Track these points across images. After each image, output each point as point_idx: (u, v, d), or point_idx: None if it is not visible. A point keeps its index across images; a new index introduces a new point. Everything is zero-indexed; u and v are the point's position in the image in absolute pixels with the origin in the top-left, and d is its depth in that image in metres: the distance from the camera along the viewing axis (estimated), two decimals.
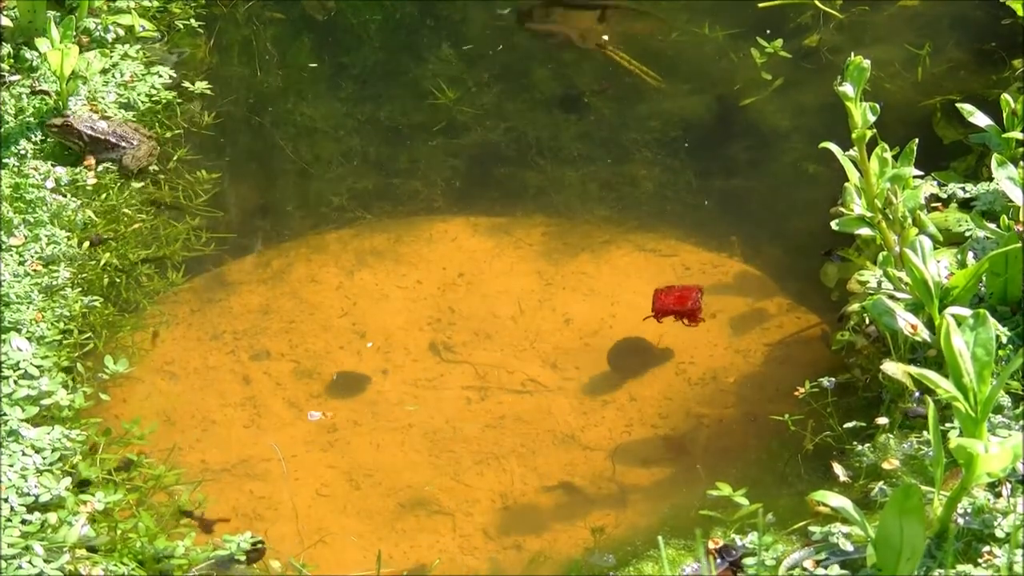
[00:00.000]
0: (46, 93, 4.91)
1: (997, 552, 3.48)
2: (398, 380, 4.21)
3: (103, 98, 4.95)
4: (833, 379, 4.07)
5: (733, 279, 4.46)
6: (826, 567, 3.54)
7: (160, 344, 4.31)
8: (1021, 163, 4.25)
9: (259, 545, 3.75)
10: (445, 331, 4.34)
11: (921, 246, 3.95)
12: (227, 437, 4.09)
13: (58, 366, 4.12)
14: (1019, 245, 3.95)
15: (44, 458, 3.87)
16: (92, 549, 3.70)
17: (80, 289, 4.37)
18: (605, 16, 5.28)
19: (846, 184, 4.19)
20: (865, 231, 4.16)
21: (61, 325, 4.24)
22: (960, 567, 3.46)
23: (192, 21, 5.33)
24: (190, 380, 4.24)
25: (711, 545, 3.64)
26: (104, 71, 5.03)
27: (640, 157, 4.86)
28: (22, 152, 4.75)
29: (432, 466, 4.01)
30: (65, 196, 4.64)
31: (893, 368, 3.94)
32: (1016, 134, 4.37)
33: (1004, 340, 3.89)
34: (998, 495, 3.59)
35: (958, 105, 4.48)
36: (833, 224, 4.21)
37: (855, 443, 3.88)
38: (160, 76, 5.07)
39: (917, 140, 4.16)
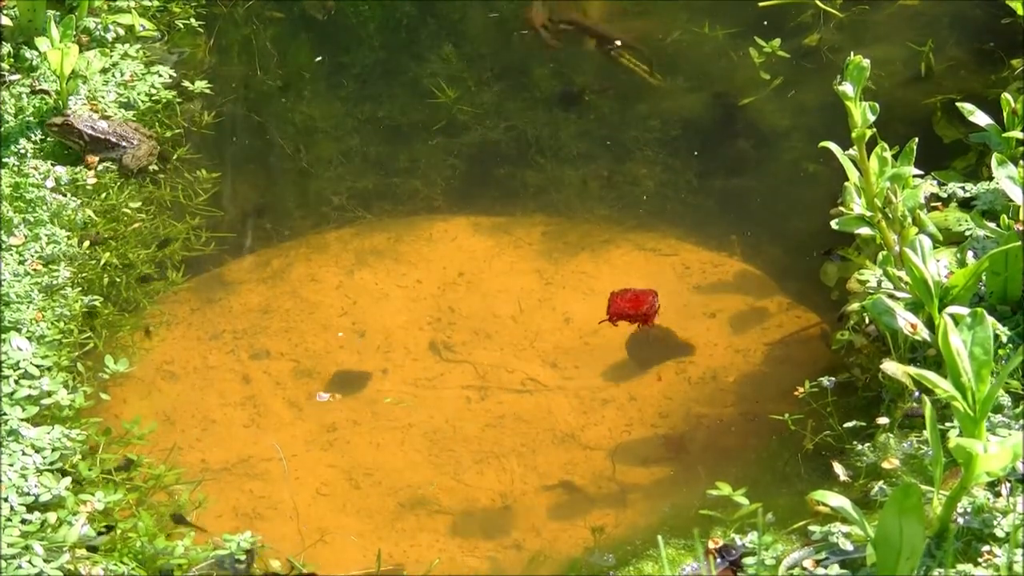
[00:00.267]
0: (46, 92, 4.91)
1: (997, 551, 3.48)
2: (398, 379, 4.21)
3: (103, 97, 4.95)
4: (833, 378, 4.07)
5: (733, 278, 4.46)
6: (826, 566, 3.54)
7: (160, 343, 4.32)
8: (1021, 162, 4.25)
9: (255, 546, 3.75)
10: (445, 330, 4.34)
11: (921, 245, 3.95)
12: (227, 436, 4.09)
13: (58, 366, 4.12)
14: (1019, 244, 3.95)
15: (44, 457, 3.87)
16: (92, 549, 3.70)
17: (80, 288, 4.37)
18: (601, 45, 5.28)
19: (846, 183, 4.19)
20: (865, 230, 4.16)
21: (61, 325, 4.24)
22: (960, 566, 3.46)
23: (192, 20, 5.34)
24: (190, 379, 4.24)
25: (711, 545, 3.64)
26: (104, 70, 5.03)
27: (640, 156, 4.86)
28: (22, 151, 4.75)
29: (432, 465, 4.01)
30: (65, 195, 4.64)
31: (893, 367, 3.94)
32: (1016, 133, 4.37)
33: (1004, 339, 3.88)
34: (997, 494, 3.59)
35: (958, 104, 4.48)
36: (833, 223, 4.21)
37: (855, 442, 3.88)
38: (160, 75, 5.07)
39: (917, 139, 4.16)
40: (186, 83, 5.08)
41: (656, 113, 5.01)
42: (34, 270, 4.38)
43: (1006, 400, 3.81)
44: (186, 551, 3.71)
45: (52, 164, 4.72)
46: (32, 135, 4.80)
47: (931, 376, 3.46)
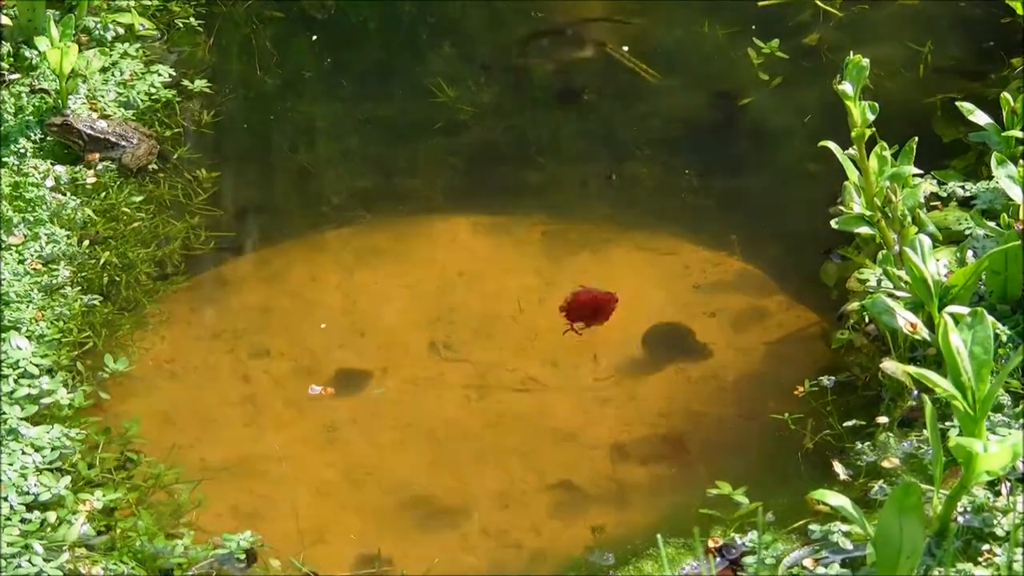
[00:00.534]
0: (45, 92, 4.91)
1: (997, 550, 3.48)
2: (398, 379, 4.21)
3: (102, 97, 4.95)
4: (833, 378, 4.07)
5: (733, 277, 4.46)
6: (826, 566, 3.54)
7: (160, 343, 4.31)
8: (1021, 161, 4.25)
9: (255, 545, 3.75)
10: (445, 330, 4.34)
11: (921, 244, 3.95)
12: (227, 436, 4.09)
13: (58, 365, 4.12)
14: (1019, 243, 3.95)
15: (44, 457, 3.87)
16: (92, 548, 3.70)
17: (80, 288, 4.37)
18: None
19: (845, 183, 4.19)
20: (864, 230, 4.17)
21: (61, 324, 4.24)
22: (960, 565, 3.46)
23: (192, 20, 5.33)
24: (190, 379, 4.23)
25: (711, 544, 3.64)
26: (104, 70, 5.03)
27: (640, 155, 4.86)
28: (21, 151, 4.75)
29: (432, 465, 4.01)
30: (65, 195, 4.64)
31: (892, 367, 3.94)
32: (1016, 132, 4.37)
33: (1004, 339, 3.88)
34: (998, 493, 3.59)
35: (958, 103, 4.48)
36: (833, 223, 4.21)
37: (855, 441, 3.88)
38: (160, 75, 5.06)
39: (916, 138, 4.16)
40: (186, 82, 5.08)
41: (656, 112, 5.01)
42: (34, 269, 4.38)
43: (1006, 399, 3.81)
44: (186, 550, 3.71)
45: (52, 163, 4.72)
46: (32, 134, 4.79)
47: (931, 375, 3.46)
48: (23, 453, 3.86)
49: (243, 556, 3.72)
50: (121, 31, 5.19)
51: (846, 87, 4.01)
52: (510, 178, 4.82)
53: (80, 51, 4.97)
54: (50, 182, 4.66)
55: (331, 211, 4.74)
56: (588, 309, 4.25)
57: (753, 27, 5.24)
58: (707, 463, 3.96)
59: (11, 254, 4.40)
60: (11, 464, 3.82)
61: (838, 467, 3.83)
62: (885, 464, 3.79)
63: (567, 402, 4.14)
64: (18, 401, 3.99)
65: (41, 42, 4.87)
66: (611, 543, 3.77)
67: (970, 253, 4.16)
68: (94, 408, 4.08)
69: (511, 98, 5.09)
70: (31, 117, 4.84)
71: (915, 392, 3.91)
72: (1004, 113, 4.41)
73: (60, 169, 4.71)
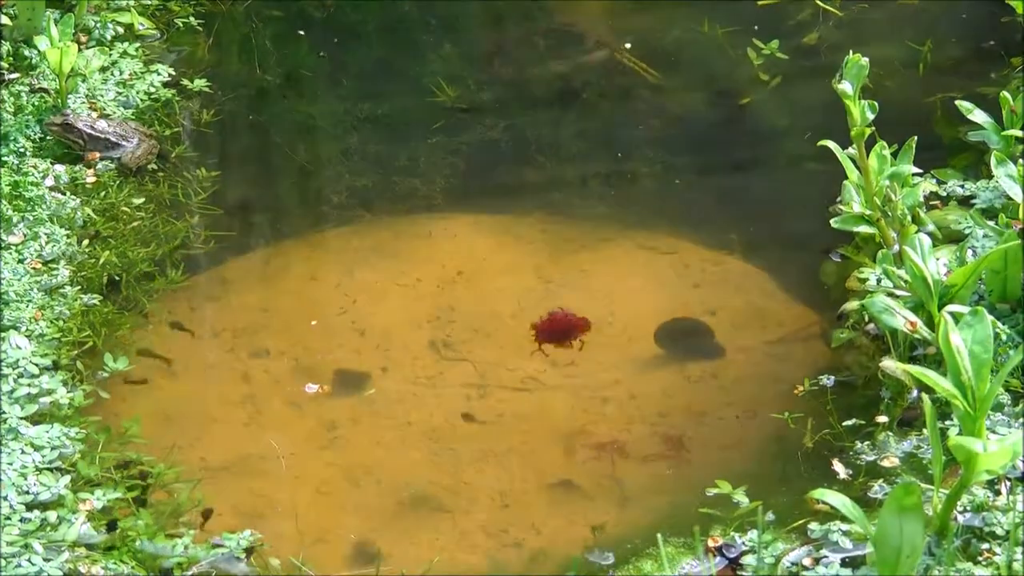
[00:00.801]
0: (45, 91, 4.91)
1: (996, 550, 3.48)
2: (398, 378, 4.21)
3: (102, 96, 4.95)
4: (832, 377, 4.07)
5: (732, 277, 4.46)
6: (826, 565, 3.54)
7: (160, 342, 4.31)
8: (1020, 160, 4.25)
9: (255, 544, 3.75)
10: (445, 329, 4.34)
11: (920, 244, 3.96)
12: (226, 435, 4.09)
13: (57, 364, 4.12)
14: (1018, 243, 3.95)
15: (43, 456, 3.87)
16: (91, 547, 3.70)
17: (79, 287, 4.37)
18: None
19: (845, 182, 4.19)
20: (864, 229, 4.17)
21: (60, 323, 4.24)
22: (960, 565, 3.46)
23: (191, 19, 5.34)
24: (190, 378, 4.23)
25: (710, 543, 3.64)
26: (103, 69, 5.03)
27: (640, 154, 4.86)
28: (21, 150, 4.75)
29: (432, 464, 4.01)
30: (64, 194, 4.64)
31: (892, 366, 3.94)
32: (1015, 132, 4.37)
33: (1004, 338, 3.89)
34: (997, 492, 3.59)
35: (957, 103, 4.48)
36: (832, 222, 4.21)
37: (855, 441, 3.88)
38: (159, 74, 5.07)
39: (916, 137, 4.17)
40: (185, 81, 5.08)
41: (656, 111, 5.01)
42: (33, 268, 4.38)
43: (1006, 398, 3.81)
44: (186, 550, 3.71)
45: (51, 163, 4.72)
46: (31, 134, 4.79)
47: (931, 374, 3.46)
48: (23, 452, 3.86)
49: (243, 555, 3.72)
50: (121, 30, 5.19)
51: (846, 86, 4.01)
52: (510, 177, 4.82)
53: (80, 50, 4.97)
54: (50, 181, 4.66)
55: (331, 210, 4.74)
56: (560, 331, 4.24)
57: (755, 27, 5.24)
58: (707, 462, 3.96)
59: (11, 253, 4.40)
60: (11, 463, 3.82)
61: (838, 466, 3.83)
62: (885, 463, 3.79)
63: (567, 401, 4.14)
64: (18, 400, 3.99)
65: (41, 41, 4.87)
66: (611, 542, 3.77)
67: (970, 252, 4.16)
68: (94, 407, 4.08)
69: (511, 97, 5.09)
70: (31, 116, 4.84)
71: (915, 391, 3.91)
72: (1004, 112, 4.41)
73: (60, 168, 4.71)
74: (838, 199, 4.32)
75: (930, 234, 4.17)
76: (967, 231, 4.28)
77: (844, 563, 3.54)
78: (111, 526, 3.75)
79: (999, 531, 3.52)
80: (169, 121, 4.95)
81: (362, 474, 3.99)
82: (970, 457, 3.37)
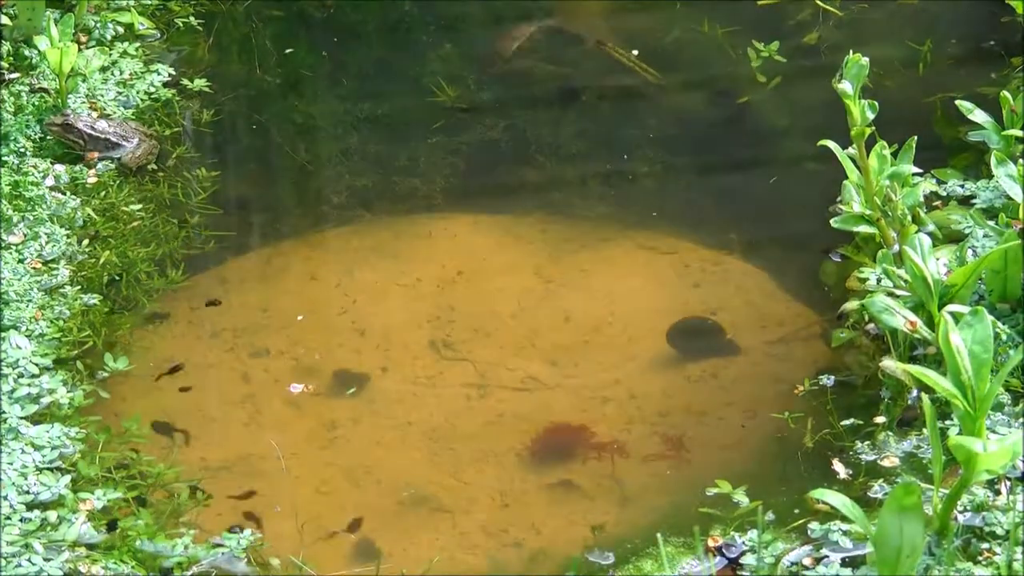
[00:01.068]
0: (45, 91, 4.91)
1: (996, 549, 3.48)
2: (398, 378, 4.21)
3: (102, 96, 4.95)
4: (833, 377, 4.07)
5: (732, 277, 4.46)
6: (826, 565, 3.54)
7: (160, 342, 4.31)
8: (1020, 160, 4.25)
9: (255, 544, 3.75)
10: (445, 328, 4.34)
11: (920, 243, 3.96)
12: (226, 435, 4.09)
13: (57, 364, 4.12)
14: (1018, 242, 3.95)
15: (43, 456, 3.87)
16: (92, 547, 3.70)
17: (79, 287, 4.37)
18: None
19: (845, 182, 4.19)
20: (864, 228, 4.17)
21: (60, 323, 4.24)
22: (960, 564, 3.46)
23: (191, 19, 5.34)
24: (190, 378, 4.23)
25: (710, 543, 3.64)
26: (103, 69, 5.03)
27: (640, 154, 4.86)
28: (21, 150, 4.75)
29: (432, 464, 4.01)
30: (64, 194, 4.64)
31: (892, 366, 3.94)
32: (1015, 131, 4.37)
33: (1004, 337, 3.89)
34: (997, 492, 3.59)
35: (957, 103, 4.48)
36: (832, 222, 4.21)
37: (855, 441, 3.88)
38: (159, 74, 5.07)
39: (916, 137, 4.17)
40: (185, 81, 5.08)
41: (655, 111, 5.01)
42: (33, 268, 4.38)
43: (1006, 398, 3.81)
44: (186, 550, 3.71)
45: (51, 163, 4.72)
46: (31, 134, 4.80)
47: (931, 374, 3.46)
48: (23, 452, 3.86)
49: (243, 555, 3.72)
50: (121, 30, 5.19)
51: (846, 86, 4.01)
52: (510, 177, 4.82)
53: (80, 50, 4.97)
54: (50, 181, 4.66)
55: (331, 210, 4.74)
56: (560, 446, 4.17)
57: (753, 26, 5.24)
58: (707, 462, 3.96)
59: (11, 253, 4.41)
60: (11, 463, 3.82)
61: (838, 466, 3.83)
62: (885, 463, 3.79)
63: (567, 401, 4.14)
64: (18, 400, 3.99)
65: (41, 41, 4.87)
66: (611, 542, 3.77)
67: (970, 252, 4.16)
68: (94, 407, 4.08)
69: (511, 97, 5.09)
70: (31, 116, 4.84)
71: (915, 391, 3.91)
72: (1004, 112, 4.41)
73: (60, 168, 4.71)
74: (838, 199, 4.32)
75: (930, 234, 4.17)
76: (967, 231, 4.28)
77: (844, 563, 3.54)
78: (111, 526, 3.75)
79: (999, 531, 3.52)
80: (169, 121, 4.95)
81: (362, 474, 3.99)
82: (970, 457, 3.37)
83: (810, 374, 4.10)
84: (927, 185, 4.45)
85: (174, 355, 4.28)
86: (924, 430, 3.75)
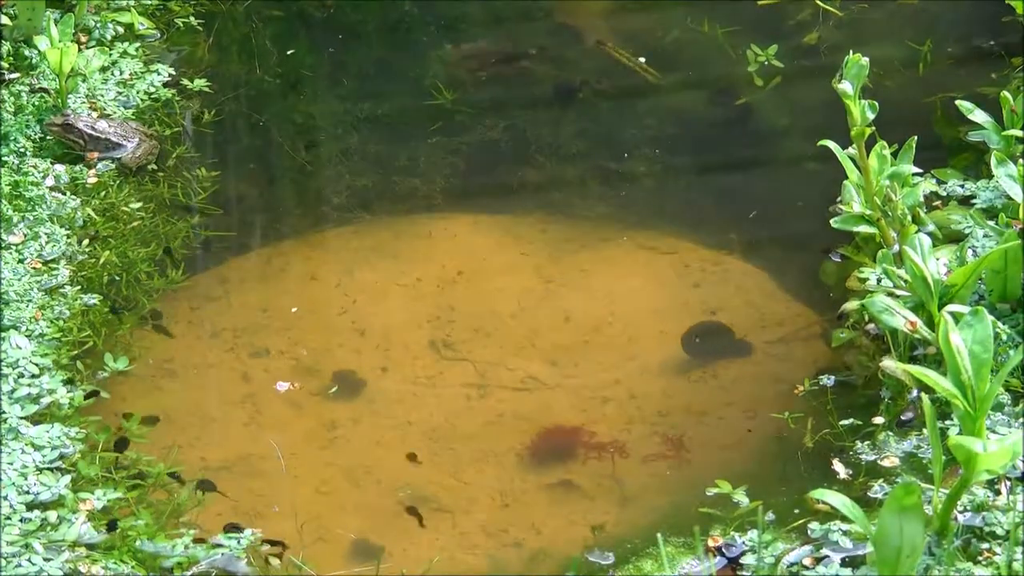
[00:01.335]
0: (45, 91, 4.91)
1: (997, 549, 3.48)
2: (398, 378, 4.21)
3: (102, 96, 4.95)
4: (833, 377, 4.07)
5: (732, 276, 4.46)
6: (826, 565, 3.54)
7: (160, 341, 4.31)
8: (1020, 160, 4.25)
9: (255, 544, 3.75)
10: (445, 328, 4.34)
11: (920, 243, 3.96)
12: (227, 435, 4.09)
13: (57, 364, 4.12)
14: (1018, 242, 3.95)
15: (44, 456, 3.87)
16: (92, 547, 3.70)
17: (79, 287, 4.37)
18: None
19: (845, 182, 4.19)
20: (864, 228, 4.17)
21: (60, 323, 4.24)
22: (960, 564, 3.46)
23: (191, 19, 5.34)
24: (189, 378, 4.24)
25: (710, 543, 3.64)
26: (103, 69, 5.03)
27: (639, 154, 4.86)
28: (21, 150, 4.75)
29: (432, 464, 4.01)
30: (64, 194, 4.64)
31: (892, 366, 3.94)
32: (1015, 131, 4.37)
33: (1004, 337, 3.89)
34: (997, 492, 3.59)
35: (957, 103, 4.48)
36: (832, 222, 4.21)
37: (855, 440, 3.88)
38: (159, 74, 5.07)
39: (916, 137, 4.17)
40: (185, 81, 5.08)
41: (655, 111, 5.01)
42: (33, 268, 4.38)
43: (1006, 398, 3.81)
44: (186, 550, 3.71)
45: (51, 163, 4.72)
46: (31, 134, 4.79)
47: (931, 374, 3.46)
48: (23, 452, 3.86)
49: (242, 555, 3.72)
50: (121, 30, 5.19)
51: (846, 86, 4.01)
52: (509, 177, 4.82)
53: (80, 50, 4.97)
54: (50, 181, 4.66)
55: (331, 210, 4.74)
56: (558, 447, 4.16)
57: (753, 26, 5.24)
58: (707, 462, 3.96)
59: (11, 253, 4.41)
60: (11, 463, 3.82)
61: (838, 466, 3.83)
62: (885, 463, 3.79)
63: (567, 401, 4.14)
64: (18, 400, 3.99)
65: (41, 41, 4.87)
66: (611, 542, 3.77)
67: (970, 252, 4.16)
68: (94, 407, 4.08)
69: (510, 97, 5.09)
70: (31, 116, 4.84)
71: (915, 391, 3.91)
72: (1004, 112, 4.41)
73: (60, 168, 4.71)
74: (838, 199, 4.32)
75: (930, 234, 4.17)
76: (967, 231, 4.28)
77: (844, 563, 3.54)
78: (111, 526, 3.75)
79: (999, 531, 3.52)
80: (169, 121, 4.95)
81: (362, 473, 3.99)
82: (970, 457, 3.37)
83: (810, 374, 4.10)
84: (927, 185, 4.45)
85: (174, 355, 4.28)
86: (924, 430, 3.75)
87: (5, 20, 5.05)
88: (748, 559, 3.59)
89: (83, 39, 5.12)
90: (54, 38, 4.81)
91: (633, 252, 4.55)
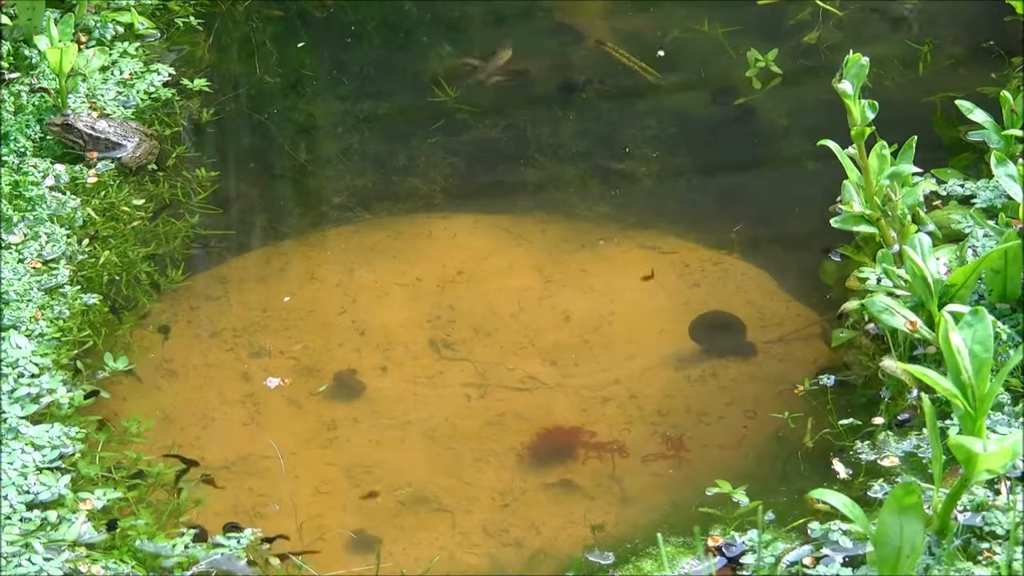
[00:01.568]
0: (45, 91, 4.91)
1: (997, 549, 3.48)
2: (398, 378, 4.21)
3: (102, 96, 4.95)
4: (833, 376, 4.07)
5: (732, 276, 4.46)
6: (826, 565, 3.54)
7: (159, 341, 4.31)
8: (1020, 160, 4.25)
9: (255, 544, 3.75)
10: (445, 328, 4.34)
11: (920, 243, 3.96)
12: (226, 435, 4.09)
13: (57, 364, 4.12)
14: (1018, 242, 3.95)
15: (44, 456, 3.87)
16: (92, 547, 3.70)
17: (79, 287, 4.37)
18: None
19: (845, 181, 4.19)
20: (864, 228, 4.17)
21: (60, 323, 4.24)
22: (960, 564, 3.46)
23: (191, 18, 5.34)
24: (190, 377, 4.24)
25: (710, 542, 3.64)
26: (103, 69, 5.03)
27: (639, 154, 4.86)
28: (21, 150, 4.75)
29: (432, 463, 4.01)
30: (64, 194, 4.64)
31: (892, 365, 3.94)
32: (1015, 131, 4.37)
33: (1004, 337, 3.89)
34: (997, 492, 3.59)
35: (957, 102, 4.48)
36: (832, 221, 4.21)
37: (855, 440, 3.88)
38: (159, 74, 5.07)
39: (916, 137, 4.17)
40: (185, 81, 5.08)
41: (655, 110, 5.01)
42: (33, 268, 4.38)
43: (1006, 398, 3.81)
44: (186, 550, 3.71)
45: (51, 163, 4.72)
46: (32, 133, 4.80)
47: (931, 374, 3.46)
48: (23, 452, 3.86)
49: (242, 555, 3.72)
50: (121, 30, 5.19)
51: (845, 86, 4.01)
52: (509, 176, 4.82)
53: (80, 50, 4.97)
54: (50, 181, 4.66)
55: (331, 210, 4.74)
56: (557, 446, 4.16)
57: (753, 26, 5.24)
58: (707, 462, 3.96)
59: (11, 253, 4.41)
60: (11, 463, 3.82)
61: (838, 466, 3.83)
62: (885, 463, 3.79)
63: (567, 401, 4.14)
64: (18, 400, 3.99)
65: (41, 41, 4.87)
66: (611, 542, 3.77)
67: (970, 252, 4.16)
68: (94, 407, 4.08)
69: (510, 96, 5.09)
70: (31, 116, 4.84)
71: (915, 391, 3.91)
72: (1003, 112, 4.41)
73: (60, 168, 4.71)
74: (838, 199, 4.32)
75: (930, 234, 4.17)
76: (967, 231, 4.28)
77: (844, 563, 3.54)
78: (111, 526, 3.75)
79: (999, 531, 3.52)
80: (169, 121, 4.95)
81: (362, 473, 3.99)
82: (970, 457, 3.37)
83: (810, 374, 4.10)
84: (927, 185, 4.46)
85: (174, 355, 4.28)
86: (924, 430, 3.75)
87: (5, 20, 5.06)
88: (748, 559, 3.59)
89: (83, 39, 5.12)
90: (54, 38, 4.81)
91: (633, 252, 4.55)
